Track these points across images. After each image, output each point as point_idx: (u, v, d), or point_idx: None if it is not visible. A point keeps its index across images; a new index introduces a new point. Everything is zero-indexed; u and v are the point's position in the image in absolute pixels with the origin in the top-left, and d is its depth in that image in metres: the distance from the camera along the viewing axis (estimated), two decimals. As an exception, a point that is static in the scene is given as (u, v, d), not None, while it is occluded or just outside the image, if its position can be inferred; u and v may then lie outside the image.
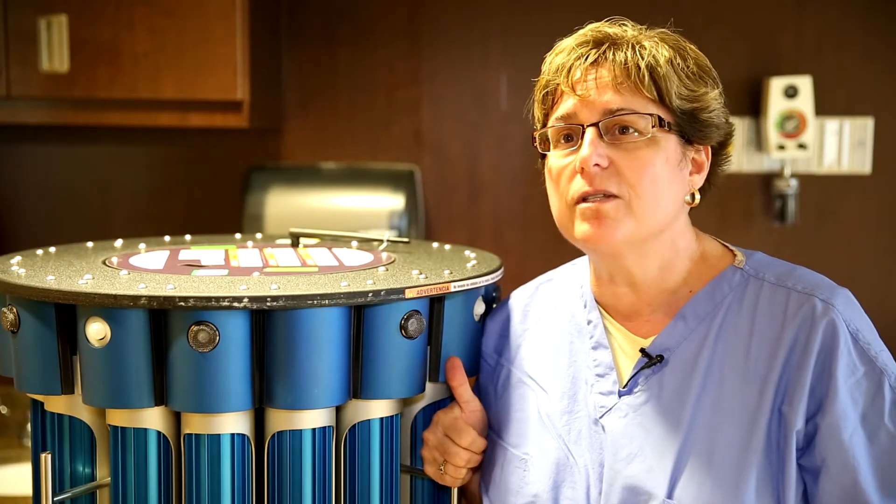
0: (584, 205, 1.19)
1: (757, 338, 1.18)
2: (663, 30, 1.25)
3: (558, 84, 1.22)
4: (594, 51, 1.20)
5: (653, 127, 1.17)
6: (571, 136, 1.22)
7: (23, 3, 2.32)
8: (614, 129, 1.18)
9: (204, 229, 2.59)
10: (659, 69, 1.18)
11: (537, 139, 1.26)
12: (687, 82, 1.19)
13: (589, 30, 1.24)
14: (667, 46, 1.20)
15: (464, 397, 1.32)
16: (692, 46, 1.24)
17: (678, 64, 1.19)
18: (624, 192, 1.18)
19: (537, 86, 1.27)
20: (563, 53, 1.23)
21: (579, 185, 1.19)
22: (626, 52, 1.19)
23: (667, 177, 1.19)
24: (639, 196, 1.17)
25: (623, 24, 1.24)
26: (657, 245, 1.22)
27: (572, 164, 1.20)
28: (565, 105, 1.21)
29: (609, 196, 1.18)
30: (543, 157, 1.27)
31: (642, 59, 1.18)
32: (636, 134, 1.18)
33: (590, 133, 1.18)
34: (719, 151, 1.27)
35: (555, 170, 1.23)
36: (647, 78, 1.17)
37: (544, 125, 1.26)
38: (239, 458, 1.22)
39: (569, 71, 1.21)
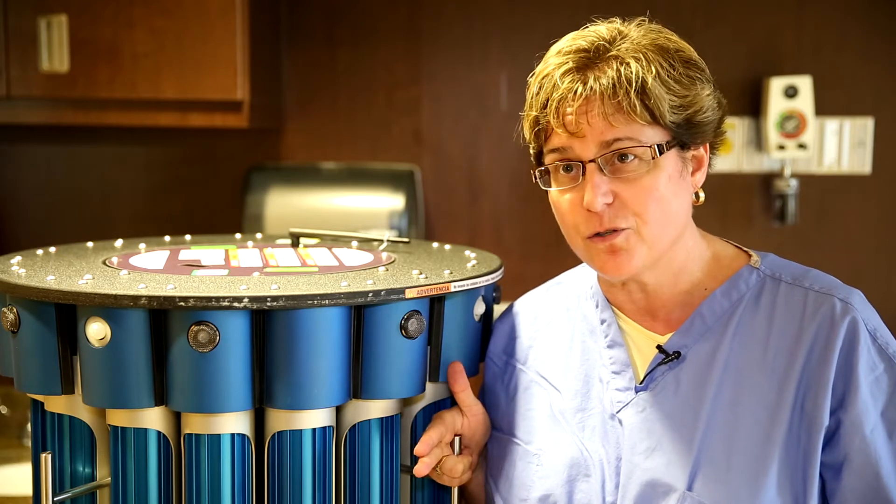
0: (597, 240, 1.19)
1: (775, 335, 1.19)
2: (642, 19, 1.22)
3: (549, 121, 1.20)
4: (580, 84, 1.17)
5: (652, 158, 1.17)
6: (571, 167, 1.20)
7: (23, 3, 2.32)
8: (613, 159, 1.17)
9: (204, 229, 2.59)
10: (648, 92, 1.15)
11: (537, 175, 1.24)
12: (677, 89, 1.17)
13: (569, 49, 1.20)
14: (651, 53, 1.17)
15: (466, 402, 1.32)
16: (674, 39, 1.21)
17: (665, 74, 1.17)
18: (632, 223, 1.18)
19: (526, 118, 1.24)
20: (548, 84, 1.20)
21: (589, 226, 1.19)
22: (611, 77, 1.15)
23: (672, 193, 1.19)
24: (647, 223, 1.18)
25: (598, 30, 1.21)
26: (671, 255, 1.23)
27: (577, 201, 1.19)
28: (559, 138, 1.20)
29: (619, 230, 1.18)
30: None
31: (630, 84, 1.15)
32: (635, 160, 1.17)
33: (590, 172, 1.17)
34: (714, 138, 1.26)
35: (561, 207, 1.23)
36: (638, 105, 1.15)
37: (539, 159, 1.25)
38: (239, 458, 1.22)
39: (557, 108, 1.18)
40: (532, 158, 1.28)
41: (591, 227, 1.19)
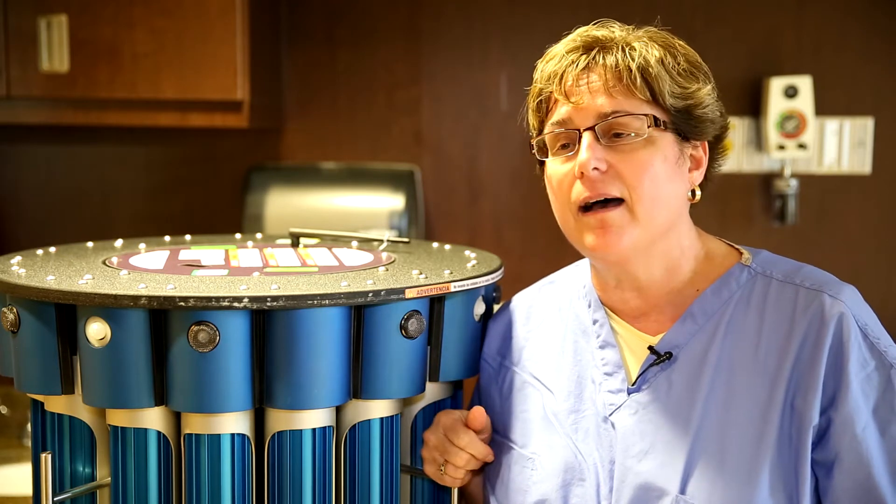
0: (588, 215, 1.20)
1: (766, 334, 1.19)
2: (651, 27, 1.25)
3: (551, 91, 1.23)
4: (584, 56, 1.21)
5: (648, 127, 1.18)
6: (568, 143, 1.22)
7: (23, 3, 2.31)
8: (610, 132, 1.19)
9: (204, 229, 2.59)
10: (650, 70, 1.18)
11: (534, 146, 1.27)
12: (679, 80, 1.20)
13: (578, 35, 1.24)
14: (656, 46, 1.21)
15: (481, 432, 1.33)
16: (681, 43, 1.25)
17: (669, 63, 1.20)
18: (625, 195, 1.18)
19: (530, 94, 1.28)
20: (554, 60, 1.24)
21: (580, 191, 1.20)
22: (616, 55, 1.20)
23: (666, 175, 1.20)
24: (640, 198, 1.18)
25: (611, 27, 1.25)
26: (663, 246, 1.23)
27: (571, 171, 1.21)
28: (560, 111, 1.22)
29: (611, 201, 1.19)
30: (542, 163, 1.28)
31: (633, 60, 1.18)
32: (633, 135, 1.18)
33: (586, 137, 1.19)
34: (716, 146, 1.28)
35: (554, 178, 1.24)
36: (638, 79, 1.18)
37: (540, 132, 1.26)
38: (239, 458, 1.22)
39: (561, 78, 1.21)
40: (532, 130, 1.29)
41: (582, 193, 1.19)
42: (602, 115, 1.19)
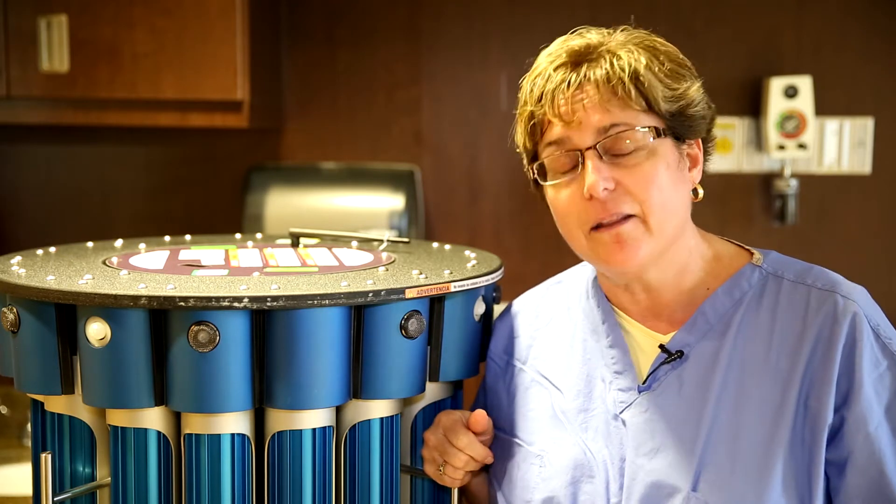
0: (602, 231, 1.19)
1: (778, 334, 1.19)
2: (627, 27, 1.24)
3: (544, 114, 1.21)
4: (574, 74, 1.19)
5: (652, 139, 1.17)
6: (568, 164, 1.20)
7: (23, 3, 2.32)
8: (612, 148, 1.18)
9: (204, 229, 2.59)
10: (642, 78, 1.17)
11: (534, 171, 1.25)
12: (668, 82, 1.19)
13: (559, 48, 1.22)
14: (640, 50, 1.19)
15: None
16: (661, 41, 1.23)
17: (655, 67, 1.18)
18: (637, 210, 1.18)
19: (521, 116, 1.26)
20: (541, 80, 1.21)
21: (591, 214, 1.19)
22: (605, 68, 1.18)
23: (671, 182, 1.19)
24: (651, 210, 1.17)
25: (587, 34, 1.23)
26: (674, 251, 1.23)
27: (578, 193, 1.19)
28: (555, 131, 1.20)
29: (624, 217, 1.18)
30: (536, 181, 1.26)
31: (623, 71, 1.17)
32: (634, 149, 1.17)
33: (590, 158, 1.18)
34: (707, 139, 1.27)
35: (560, 203, 1.22)
36: (633, 91, 1.17)
37: (535, 155, 1.25)
38: (239, 458, 1.22)
39: (553, 99, 1.19)
40: (526, 161, 1.27)
41: (594, 215, 1.18)
42: (601, 130, 1.17)
